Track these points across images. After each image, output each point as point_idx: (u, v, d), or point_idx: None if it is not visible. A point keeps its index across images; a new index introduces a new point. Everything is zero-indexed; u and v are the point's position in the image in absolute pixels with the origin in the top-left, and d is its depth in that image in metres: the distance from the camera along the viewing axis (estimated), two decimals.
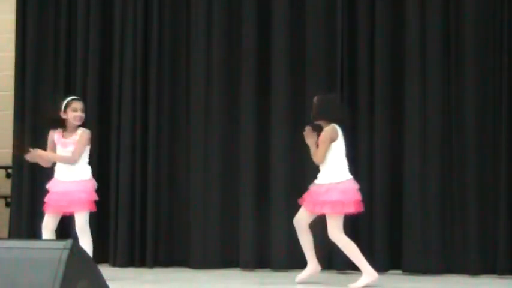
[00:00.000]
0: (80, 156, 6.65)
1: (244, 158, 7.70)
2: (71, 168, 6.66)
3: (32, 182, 8.13)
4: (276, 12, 7.73)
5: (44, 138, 8.10)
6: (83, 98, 7.98)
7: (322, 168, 6.49)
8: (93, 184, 6.75)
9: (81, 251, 3.41)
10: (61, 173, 6.71)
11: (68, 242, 3.30)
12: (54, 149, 6.74)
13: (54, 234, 6.74)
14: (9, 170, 8.54)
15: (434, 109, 7.36)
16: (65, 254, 3.24)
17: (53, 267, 3.20)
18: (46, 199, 6.76)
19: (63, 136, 6.69)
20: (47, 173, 8.04)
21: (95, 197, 6.74)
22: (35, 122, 8.15)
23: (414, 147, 7.37)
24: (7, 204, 8.63)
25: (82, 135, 6.66)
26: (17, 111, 8.27)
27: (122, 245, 7.83)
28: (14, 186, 8.27)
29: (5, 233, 8.28)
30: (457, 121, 7.35)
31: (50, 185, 6.77)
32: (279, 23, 7.71)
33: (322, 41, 7.66)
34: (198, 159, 7.81)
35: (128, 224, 7.84)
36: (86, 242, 6.54)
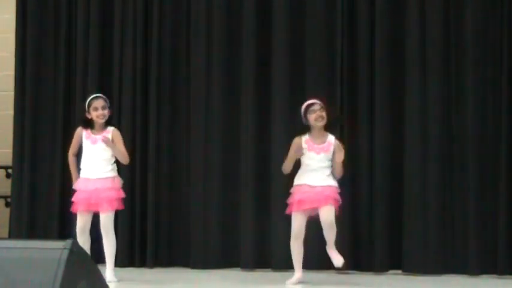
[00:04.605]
0: (127, 154, 6.78)
1: (245, 158, 7.70)
2: (100, 166, 6.71)
3: (32, 182, 8.12)
4: (276, 11, 7.73)
5: (44, 138, 8.14)
6: (83, 98, 8.01)
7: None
8: (120, 182, 6.82)
9: (81, 251, 3.41)
10: (91, 171, 6.72)
11: (68, 242, 3.29)
12: (79, 146, 6.77)
13: (89, 235, 6.73)
14: (9, 170, 8.53)
15: (434, 109, 7.36)
16: (65, 254, 3.24)
17: (53, 267, 3.20)
18: (74, 198, 6.75)
19: (92, 133, 6.73)
20: (47, 173, 8.06)
21: (122, 195, 6.81)
22: (35, 122, 8.16)
23: (414, 147, 7.37)
24: (7, 204, 8.62)
25: (116, 135, 6.75)
26: (17, 111, 8.26)
27: (122, 245, 7.81)
28: (14, 186, 8.26)
29: (5, 233, 8.27)
30: (457, 121, 7.35)
31: (78, 185, 6.76)
32: (279, 22, 7.71)
33: (322, 41, 7.66)
34: (198, 160, 7.81)
35: (128, 224, 7.84)
36: (110, 240, 6.65)
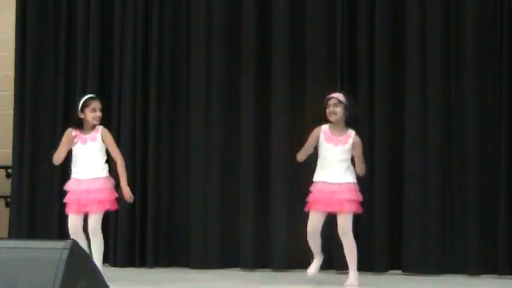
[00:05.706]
0: (120, 154, 6.74)
1: (244, 158, 7.70)
2: (91, 166, 6.65)
3: (32, 182, 8.12)
4: (276, 11, 7.73)
5: (44, 138, 8.13)
6: None
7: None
8: (112, 182, 6.74)
9: (81, 251, 3.40)
10: (81, 172, 6.67)
11: (68, 242, 3.29)
12: (68, 147, 6.71)
13: (83, 234, 6.62)
14: (9, 170, 8.54)
15: (434, 109, 7.36)
16: (64, 254, 3.24)
17: (53, 267, 3.20)
18: (66, 199, 6.73)
19: (82, 133, 6.68)
20: (47, 173, 8.06)
21: (114, 195, 6.73)
22: (35, 122, 8.17)
23: (414, 147, 7.37)
24: (7, 204, 8.62)
25: (106, 136, 6.69)
26: (17, 111, 8.26)
27: (122, 245, 7.83)
28: (14, 186, 8.26)
29: (5, 233, 8.27)
30: (457, 121, 7.35)
31: (69, 185, 6.74)
32: (279, 22, 7.71)
33: (322, 41, 7.67)
34: (198, 160, 7.81)
35: (128, 224, 7.84)
36: (97, 242, 6.56)
